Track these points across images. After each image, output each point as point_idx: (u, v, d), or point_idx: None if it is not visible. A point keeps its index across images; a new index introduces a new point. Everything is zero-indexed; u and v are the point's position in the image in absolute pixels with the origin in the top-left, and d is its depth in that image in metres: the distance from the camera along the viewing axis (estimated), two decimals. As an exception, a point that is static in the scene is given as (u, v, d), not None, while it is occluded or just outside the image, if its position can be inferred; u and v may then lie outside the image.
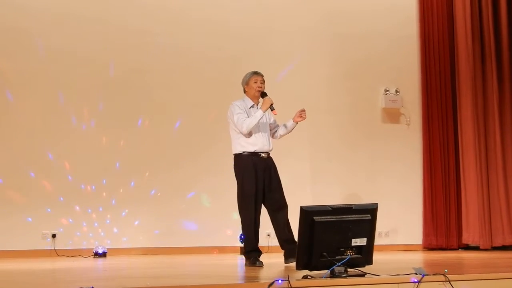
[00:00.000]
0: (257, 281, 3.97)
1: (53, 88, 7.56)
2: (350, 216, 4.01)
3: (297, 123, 5.73)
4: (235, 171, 5.61)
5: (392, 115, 8.65)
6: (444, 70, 8.63)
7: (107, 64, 7.73)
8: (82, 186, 7.54)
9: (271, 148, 5.66)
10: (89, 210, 7.53)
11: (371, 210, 4.10)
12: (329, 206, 4.02)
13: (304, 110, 5.66)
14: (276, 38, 8.29)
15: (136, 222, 7.67)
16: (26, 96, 7.48)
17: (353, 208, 4.07)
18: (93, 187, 7.58)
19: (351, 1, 8.61)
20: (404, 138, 8.62)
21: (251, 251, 5.57)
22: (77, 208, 7.50)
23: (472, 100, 8.33)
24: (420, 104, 8.66)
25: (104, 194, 7.60)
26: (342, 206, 4.08)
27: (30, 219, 7.32)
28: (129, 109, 7.77)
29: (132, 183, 7.69)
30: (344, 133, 8.41)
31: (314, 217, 3.92)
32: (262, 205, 5.60)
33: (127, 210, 7.64)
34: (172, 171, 7.79)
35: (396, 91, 8.60)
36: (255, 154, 5.54)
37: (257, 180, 5.50)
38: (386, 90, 8.58)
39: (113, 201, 7.61)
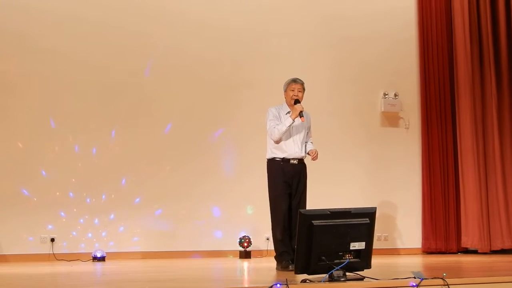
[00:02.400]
0: (256, 285, 3.97)
1: (52, 90, 7.56)
2: (348, 220, 4.01)
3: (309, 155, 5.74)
4: (267, 175, 5.71)
5: (391, 119, 8.66)
6: (443, 73, 8.64)
7: (107, 66, 7.73)
8: (81, 190, 7.52)
9: (303, 155, 5.70)
10: (88, 214, 7.51)
11: (370, 214, 4.10)
12: (328, 210, 4.02)
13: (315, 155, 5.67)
14: (276, 42, 8.29)
15: (135, 226, 7.65)
16: (26, 99, 7.48)
17: (352, 212, 4.07)
18: (92, 190, 7.56)
19: (350, 4, 8.62)
20: (403, 142, 8.62)
21: (282, 253, 5.57)
22: (76, 212, 7.48)
23: (471, 104, 8.34)
24: (419, 108, 8.67)
25: (103, 197, 7.59)
26: (340, 210, 4.07)
27: (28, 223, 7.31)
28: (128, 110, 7.76)
29: (132, 186, 7.68)
30: (343, 137, 8.41)
31: (313, 221, 3.92)
32: None
33: (126, 213, 7.62)
34: (171, 173, 7.78)
35: (395, 94, 8.61)
36: (284, 160, 5.61)
37: (285, 186, 5.57)
38: (385, 94, 8.59)
39: (112, 204, 7.59)
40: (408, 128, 8.68)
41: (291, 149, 5.62)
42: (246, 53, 8.17)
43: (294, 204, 5.60)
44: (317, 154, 5.68)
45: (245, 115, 7.96)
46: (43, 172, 7.45)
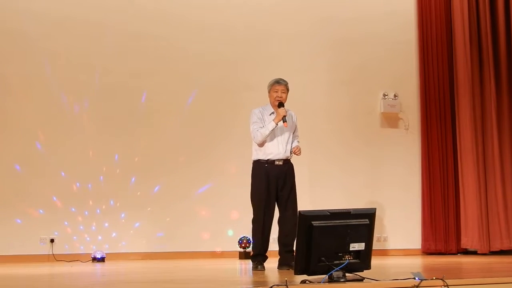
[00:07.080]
0: (256, 286, 3.97)
1: (52, 92, 7.56)
2: (348, 220, 4.00)
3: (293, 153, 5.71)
4: (251, 177, 5.68)
5: (391, 120, 8.66)
6: (443, 74, 8.64)
7: (106, 68, 7.74)
8: (81, 191, 7.54)
9: (288, 156, 5.65)
10: (87, 214, 7.53)
11: (369, 215, 4.09)
12: (327, 211, 4.01)
13: (298, 150, 5.63)
14: (275, 43, 8.30)
15: (135, 227, 7.67)
16: (26, 100, 7.49)
17: (351, 213, 4.07)
18: (92, 192, 7.57)
19: (350, 6, 8.62)
20: (403, 143, 8.62)
21: (257, 255, 5.63)
22: (75, 213, 7.50)
23: (470, 105, 8.34)
24: (419, 108, 8.67)
25: (103, 198, 7.60)
26: (340, 211, 4.06)
27: (28, 224, 7.32)
28: (128, 112, 7.78)
29: (131, 187, 7.69)
30: (343, 138, 8.41)
31: (313, 222, 3.91)
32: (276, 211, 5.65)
33: (125, 215, 7.64)
34: (171, 175, 7.79)
35: (395, 95, 8.62)
36: (268, 162, 5.58)
37: (269, 187, 5.54)
38: (384, 95, 8.59)
39: (112, 206, 7.60)
40: (407, 129, 8.68)
41: (275, 150, 5.58)
42: (245, 54, 8.18)
43: (282, 204, 5.58)
44: (300, 149, 5.63)
45: (244, 116, 7.95)
46: (44, 172, 7.46)
